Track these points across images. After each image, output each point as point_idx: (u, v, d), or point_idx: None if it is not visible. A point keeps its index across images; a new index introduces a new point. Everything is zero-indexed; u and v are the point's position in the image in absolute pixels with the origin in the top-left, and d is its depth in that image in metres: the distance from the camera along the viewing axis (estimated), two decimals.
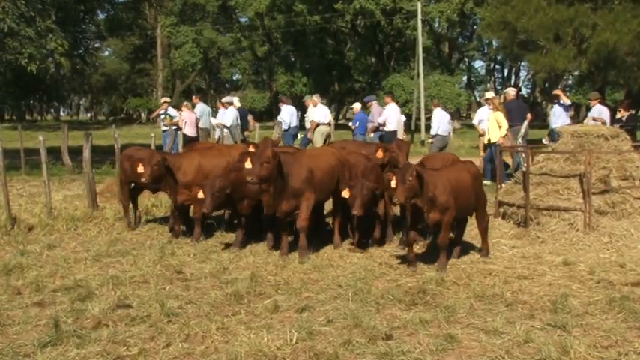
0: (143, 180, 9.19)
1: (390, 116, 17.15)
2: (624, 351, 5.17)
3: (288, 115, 18.55)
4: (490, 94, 16.96)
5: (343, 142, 11.70)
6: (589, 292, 6.77)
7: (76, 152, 17.71)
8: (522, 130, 14.97)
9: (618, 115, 16.31)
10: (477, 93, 69.15)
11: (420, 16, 35.93)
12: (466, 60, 65.13)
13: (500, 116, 14.39)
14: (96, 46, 44.32)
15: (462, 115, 58.64)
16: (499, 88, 58.24)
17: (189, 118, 18.28)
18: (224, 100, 19.37)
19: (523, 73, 65.11)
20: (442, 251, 7.68)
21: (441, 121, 16.98)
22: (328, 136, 18.27)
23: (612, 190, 9.15)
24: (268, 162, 7.78)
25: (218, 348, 5.33)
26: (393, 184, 7.34)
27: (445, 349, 5.24)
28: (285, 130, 18.34)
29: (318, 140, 17.61)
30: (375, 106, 18.19)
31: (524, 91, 59.81)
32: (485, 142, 14.93)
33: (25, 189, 14.72)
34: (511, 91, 17.03)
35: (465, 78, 61.72)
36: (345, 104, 62.55)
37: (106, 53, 67.22)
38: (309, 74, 49.27)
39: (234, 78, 78.98)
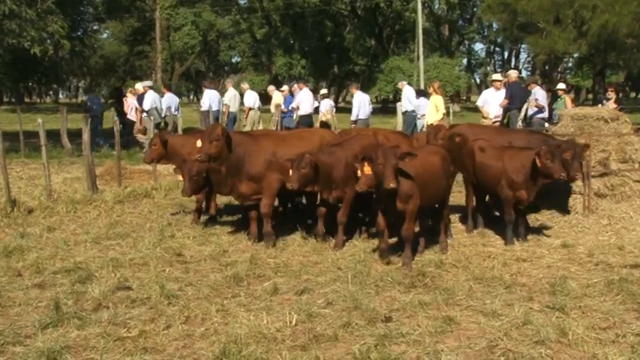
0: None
1: (303, 101, 17.88)
2: (622, 332, 5.19)
3: (208, 99, 18.99)
4: (497, 76, 16.85)
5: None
6: (587, 275, 6.79)
7: (75, 135, 17.68)
8: (522, 114, 14.93)
9: (609, 95, 16.43)
10: (476, 76, 69.00)
11: None
12: (466, 42, 64.88)
13: (439, 100, 14.95)
14: (94, 28, 44.11)
15: (461, 97, 58.52)
16: (499, 70, 58.02)
17: (134, 104, 18.82)
18: (143, 84, 19.84)
19: (523, 56, 64.91)
20: (406, 243, 7.22)
21: (361, 105, 16.96)
22: (257, 121, 18.98)
23: (612, 172, 9.14)
24: (218, 140, 7.74)
25: (218, 330, 5.35)
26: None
27: (444, 332, 5.26)
28: (206, 113, 18.69)
29: (250, 125, 18.30)
30: (299, 90, 18.91)
31: (524, 74, 59.56)
32: (426, 124, 15.12)
33: (24, 171, 14.71)
34: (513, 74, 16.91)
35: (464, 61, 61.52)
36: (345, 87, 62.32)
37: (105, 35, 66.74)
38: (307, 57, 49.07)
39: (233, 60, 78.70)
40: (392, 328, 5.30)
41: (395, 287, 6.41)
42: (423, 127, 15.59)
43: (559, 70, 54.60)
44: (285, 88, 20.85)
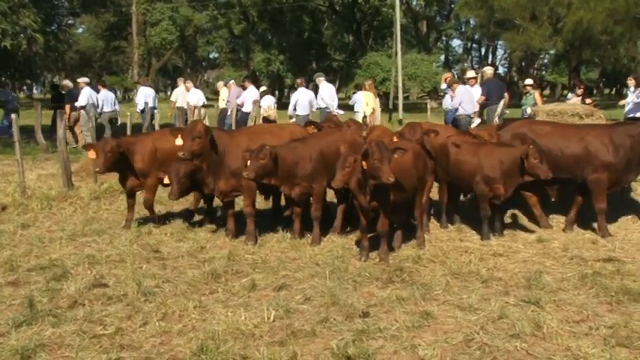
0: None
1: (248, 99, 18.23)
2: (595, 325, 5.26)
3: (143, 96, 19.27)
4: (471, 73, 17.00)
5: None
6: (562, 269, 6.87)
7: (50, 131, 17.47)
8: (499, 109, 15.06)
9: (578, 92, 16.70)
10: (454, 72, 69.36)
11: None
12: (443, 39, 65.32)
13: (369, 96, 15.63)
14: (69, 22, 43.59)
15: (439, 94, 58.79)
16: (476, 66, 58.42)
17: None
18: (79, 80, 19.86)
19: (500, 52, 65.41)
20: (382, 238, 7.25)
21: (299, 101, 17.02)
22: (203, 119, 18.79)
23: None
24: (200, 137, 7.69)
25: (195, 326, 5.34)
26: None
27: (421, 326, 5.29)
28: (142, 111, 18.94)
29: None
30: (233, 88, 19.34)
31: (501, 70, 60.09)
32: (360, 119, 15.50)
33: None
34: (488, 70, 17.08)
35: (442, 57, 61.81)
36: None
37: (80, 30, 66.06)
38: (286, 52, 48.93)
39: (211, 56, 78.30)
40: (369, 323, 5.32)
41: (373, 283, 6.43)
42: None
43: (535, 66, 55.13)
44: (263, 88, 20.95)
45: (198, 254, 7.57)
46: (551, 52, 43.67)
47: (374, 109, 15.80)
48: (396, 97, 34.76)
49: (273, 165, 7.65)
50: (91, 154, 8.47)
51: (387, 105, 33.39)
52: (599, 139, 8.30)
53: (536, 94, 16.31)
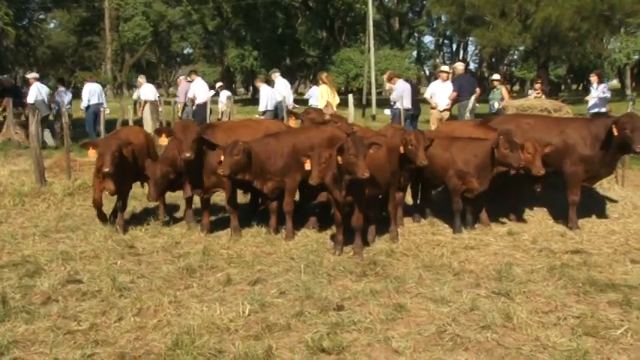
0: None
1: (198, 90, 18.45)
2: (563, 315, 5.34)
3: (87, 93, 19.05)
4: (445, 68, 17.15)
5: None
6: (532, 261, 6.95)
7: (22, 127, 17.22)
8: (470, 104, 15.19)
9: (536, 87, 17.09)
10: (426, 68, 69.68)
11: None
12: (415, 35, 65.50)
13: (323, 89, 15.57)
14: (40, 17, 42.90)
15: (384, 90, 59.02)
16: (448, 62, 58.73)
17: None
18: (28, 76, 19.69)
19: (471, 48, 65.83)
20: (356, 233, 7.25)
21: (268, 98, 17.12)
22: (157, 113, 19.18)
23: None
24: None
25: (171, 321, 5.31)
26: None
27: (395, 319, 5.33)
28: (86, 108, 18.75)
29: (147, 118, 18.25)
30: (183, 83, 19.94)
31: (472, 66, 60.44)
32: None
33: None
34: (460, 66, 17.24)
35: (414, 53, 62.04)
36: (297, 78, 62.26)
37: (52, 25, 65.03)
38: (260, 48, 48.73)
39: (185, 52, 77.70)
40: (344, 316, 5.34)
41: (347, 276, 6.45)
42: None
43: (505, 62, 55.62)
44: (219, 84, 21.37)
45: (173, 249, 7.52)
46: (521, 48, 44.06)
47: (329, 102, 15.66)
48: (369, 93, 34.81)
49: (247, 161, 7.62)
50: (91, 152, 7.99)
51: (361, 100, 33.40)
52: (578, 132, 8.41)
53: (503, 89, 16.54)
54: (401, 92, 15.89)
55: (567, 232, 8.12)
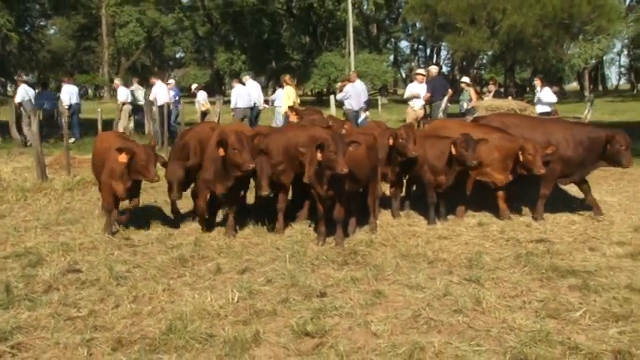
0: None
1: (159, 93, 18.70)
2: (528, 300, 5.38)
3: (67, 93, 19.33)
4: (420, 71, 17.27)
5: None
6: (500, 250, 6.98)
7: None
8: (443, 105, 15.27)
9: (485, 90, 17.19)
10: (402, 70, 69.83)
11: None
12: (392, 40, 65.59)
13: (289, 90, 15.88)
14: (41, 24, 42.41)
15: (388, 90, 59.15)
16: (422, 66, 58.84)
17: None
18: (16, 77, 19.79)
19: (444, 53, 66.08)
20: (338, 224, 7.20)
21: (238, 96, 17.25)
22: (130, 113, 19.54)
23: None
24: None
25: (164, 308, 5.27)
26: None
27: (374, 304, 5.33)
28: (68, 107, 18.75)
29: (123, 118, 18.78)
30: (120, 87, 20.32)
31: (444, 69, 60.66)
32: (282, 113, 15.89)
33: None
34: (433, 69, 17.31)
35: (391, 57, 62.15)
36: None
37: (52, 31, 64.30)
38: (247, 52, 48.59)
39: (177, 56, 77.21)
40: (326, 302, 5.33)
41: (329, 265, 6.44)
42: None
43: (475, 65, 55.84)
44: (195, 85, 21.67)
45: (167, 241, 7.47)
46: (489, 53, 44.28)
47: (294, 103, 15.96)
48: None
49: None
50: (122, 157, 7.30)
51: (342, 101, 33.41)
52: (561, 133, 8.41)
53: (472, 90, 16.66)
54: (347, 95, 16.32)
55: (532, 223, 8.16)
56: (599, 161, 8.30)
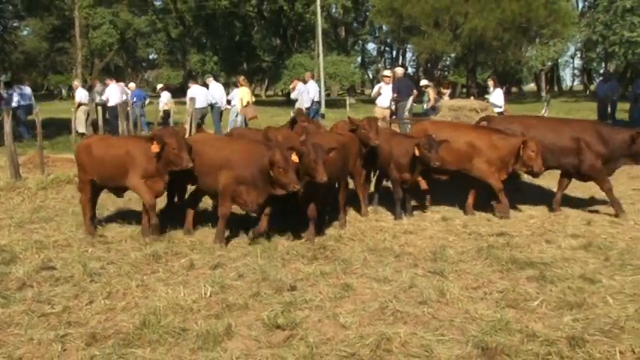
0: None
1: (112, 94, 18.70)
2: (489, 291, 5.45)
3: (17, 95, 19.13)
4: (387, 72, 17.37)
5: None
6: (463, 243, 7.06)
7: None
8: (408, 105, 15.37)
9: (443, 90, 17.46)
10: (369, 72, 70.05)
11: (318, 3, 35.80)
12: (360, 42, 65.70)
13: (243, 91, 16.18)
14: (14, 25, 41.49)
15: (356, 91, 59.27)
16: (388, 67, 59.13)
17: None
18: None
19: (409, 55, 66.38)
20: (311, 222, 7.11)
21: (192, 95, 17.13)
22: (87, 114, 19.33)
23: None
24: None
25: (138, 303, 5.21)
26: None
27: (342, 297, 5.34)
28: (16, 108, 18.59)
29: (80, 117, 18.62)
30: (97, 85, 20.66)
31: (410, 71, 60.99)
32: (237, 112, 16.49)
33: None
34: (399, 71, 17.39)
35: (359, 58, 62.27)
36: (253, 82, 61.87)
37: (25, 32, 62.88)
38: (219, 54, 48.24)
39: (151, 57, 76.26)
40: (297, 295, 5.33)
41: (299, 259, 6.44)
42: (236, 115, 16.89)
43: (439, 67, 56.27)
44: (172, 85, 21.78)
45: (141, 238, 7.36)
46: (452, 55, 44.65)
47: (248, 102, 16.41)
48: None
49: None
50: (154, 147, 6.95)
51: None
52: (587, 133, 8.33)
53: (430, 92, 16.82)
54: (299, 93, 16.83)
55: (493, 218, 8.27)
56: (623, 159, 8.32)
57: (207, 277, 5.88)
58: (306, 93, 16.97)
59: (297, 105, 16.59)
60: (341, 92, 52.55)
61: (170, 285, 5.64)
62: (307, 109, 16.56)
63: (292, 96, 17.34)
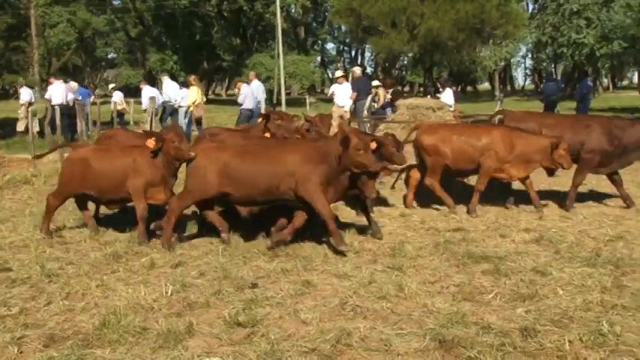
0: None
1: (55, 93, 18.40)
2: (446, 285, 5.52)
3: None
4: (339, 73, 17.43)
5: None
6: (420, 239, 7.13)
7: None
8: (367, 104, 15.47)
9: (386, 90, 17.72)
10: (329, 71, 70.21)
11: (278, 3, 35.73)
12: (319, 42, 65.80)
13: (194, 90, 16.36)
14: None
15: (316, 90, 59.34)
16: (348, 67, 59.43)
17: None
18: None
19: (368, 54, 66.79)
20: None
21: (147, 97, 17.47)
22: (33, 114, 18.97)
23: None
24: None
25: (98, 303, 5.10)
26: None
27: (303, 293, 5.33)
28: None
29: (23, 119, 18.45)
30: (23, 87, 20.30)
31: (368, 70, 61.37)
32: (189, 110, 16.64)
33: None
34: (357, 70, 17.51)
35: (318, 58, 62.31)
36: (214, 81, 61.43)
37: None
38: (179, 53, 47.65)
39: (110, 56, 74.76)
40: (258, 293, 5.30)
41: (260, 257, 6.40)
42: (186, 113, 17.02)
43: (397, 67, 56.79)
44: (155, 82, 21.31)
45: (100, 237, 7.22)
46: (409, 55, 45.10)
47: (197, 102, 16.40)
48: (279, 93, 34.79)
49: None
50: (150, 142, 6.80)
51: (272, 100, 33.31)
52: (603, 129, 8.38)
53: (380, 92, 16.99)
54: (244, 97, 16.63)
55: (449, 214, 8.37)
56: (638, 153, 8.42)
57: (169, 275, 5.80)
58: (251, 94, 16.74)
59: (242, 107, 16.57)
60: (301, 91, 52.55)
61: (130, 284, 5.54)
62: (250, 110, 16.39)
63: (238, 100, 17.14)
